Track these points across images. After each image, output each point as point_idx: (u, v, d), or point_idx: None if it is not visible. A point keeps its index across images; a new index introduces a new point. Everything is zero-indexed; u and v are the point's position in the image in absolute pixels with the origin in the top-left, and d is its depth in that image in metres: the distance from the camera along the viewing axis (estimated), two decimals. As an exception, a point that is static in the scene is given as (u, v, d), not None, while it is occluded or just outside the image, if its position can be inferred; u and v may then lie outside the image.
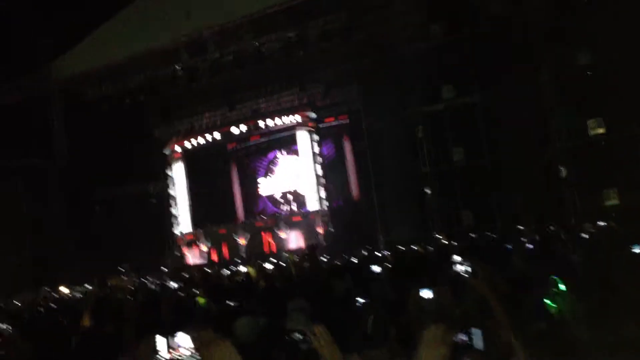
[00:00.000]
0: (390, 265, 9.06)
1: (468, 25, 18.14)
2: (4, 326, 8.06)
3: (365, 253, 14.66)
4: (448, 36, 18.91)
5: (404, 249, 12.75)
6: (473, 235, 14.49)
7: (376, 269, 8.41)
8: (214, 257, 26.62)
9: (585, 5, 16.65)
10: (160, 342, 2.65)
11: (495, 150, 18.25)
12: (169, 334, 2.68)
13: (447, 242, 14.02)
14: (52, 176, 26.54)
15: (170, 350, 2.60)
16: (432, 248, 12.85)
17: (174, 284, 13.62)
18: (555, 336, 3.75)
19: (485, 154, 18.45)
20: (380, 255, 12.79)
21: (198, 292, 9.91)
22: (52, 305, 12.48)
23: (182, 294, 10.69)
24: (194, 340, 2.78)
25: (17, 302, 14.66)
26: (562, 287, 4.09)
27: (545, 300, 4.04)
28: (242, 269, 15.43)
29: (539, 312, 3.95)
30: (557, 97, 17.28)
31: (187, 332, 2.67)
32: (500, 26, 17.47)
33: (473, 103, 18.52)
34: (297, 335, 3.17)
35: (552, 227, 12.86)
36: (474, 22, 17.99)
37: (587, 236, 10.92)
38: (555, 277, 4.37)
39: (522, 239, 10.97)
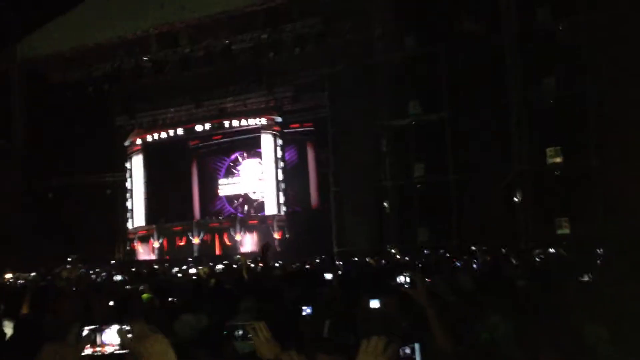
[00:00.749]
0: (342, 274, 8.98)
1: (442, 40, 18.24)
2: None
3: (318, 261, 14.57)
4: (421, 49, 19.00)
5: (357, 259, 12.68)
6: (426, 252, 14.53)
7: (328, 276, 8.31)
8: (165, 254, 26.19)
9: (554, 35, 16.93)
10: (88, 335, 2.50)
11: (456, 169, 18.38)
12: (100, 326, 2.53)
13: (399, 257, 14.02)
14: (8, 157, 25.79)
15: (95, 345, 2.44)
16: (384, 261, 12.82)
17: (119, 277, 13.29)
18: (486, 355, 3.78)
19: (447, 171, 18.56)
20: (333, 263, 12.71)
21: (143, 287, 9.67)
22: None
23: (127, 288, 10.42)
24: (124, 333, 2.61)
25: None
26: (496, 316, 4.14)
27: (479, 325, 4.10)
28: (193, 269, 15.19)
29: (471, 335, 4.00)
30: (520, 122, 17.50)
31: (120, 324, 2.51)
32: (473, 45, 17.65)
33: (439, 120, 18.61)
34: (238, 332, 3.09)
35: (503, 250, 12.98)
36: (448, 38, 18.10)
37: (536, 261, 11.03)
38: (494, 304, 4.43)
39: (473, 258, 11.03)
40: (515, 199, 17.40)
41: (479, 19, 17.92)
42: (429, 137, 18.98)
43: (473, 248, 13.27)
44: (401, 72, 19.03)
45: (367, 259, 13.05)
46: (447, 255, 12.88)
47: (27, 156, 26.04)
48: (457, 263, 9.35)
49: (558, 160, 16.92)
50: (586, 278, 6.66)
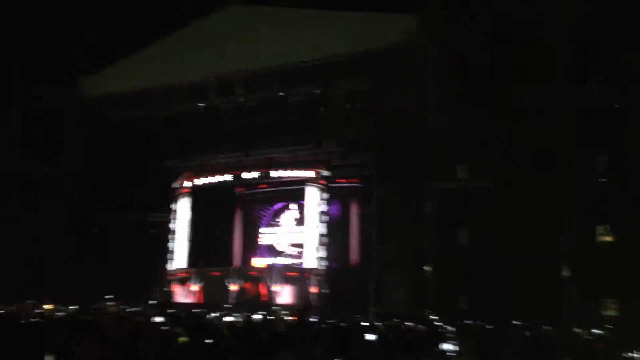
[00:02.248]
0: (382, 336, 8.86)
1: (494, 108, 18.23)
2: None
3: (356, 320, 14.39)
4: (471, 116, 18.99)
5: (397, 322, 12.49)
6: (467, 322, 14.18)
7: (370, 337, 8.23)
8: (203, 299, 26.24)
9: (606, 112, 16.78)
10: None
11: (501, 238, 18.04)
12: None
13: (440, 324, 13.73)
14: (57, 190, 26.54)
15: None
16: (424, 327, 12.59)
17: (158, 319, 13.36)
18: None
19: (491, 241, 18.23)
20: (370, 324, 12.54)
21: (180, 330, 9.72)
22: (32, 319, 12.25)
23: (165, 329, 10.48)
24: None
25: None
26: None
27: None
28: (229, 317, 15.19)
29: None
30: (571, 197, 17.19)
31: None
32: (525, 116, 17.60)
33: (487, 187, 18.42)
34: None
35: (545, 327, 12.61)
36: (501, 107, 18.08)
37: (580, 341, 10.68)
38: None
39: (515, 333, 10.74)
40: (564, 275, 16.93)
41: (533, 90, 17.88)
42: (475, 203, 18.78)
43: (516, 322, 12.91)
44: (450, 136, 19.03)
45: (407, 323, 12.84)
46: (488, 327, 12.55)
47: (77, 189, 26.76)
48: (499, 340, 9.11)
49: (609, 239, 16.50)
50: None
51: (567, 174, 17.33)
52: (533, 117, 17.79)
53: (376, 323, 13.20)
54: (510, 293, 17.25)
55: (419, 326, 12.53)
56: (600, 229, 16.61)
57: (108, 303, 20.98)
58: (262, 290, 25.61)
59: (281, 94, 24.20)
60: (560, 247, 17.12)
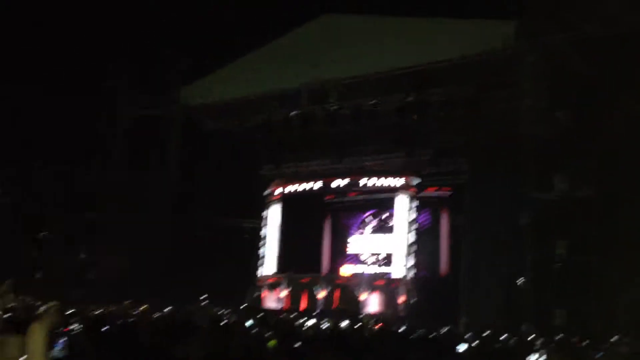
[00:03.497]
0: (472, 347, 8.65)
1: (595, 118, 17.45)
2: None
3: (446, 330, 14.12)
4: (571, 126, 18.25)
5: (490, 334, 12.15)
6: (562, 336, 13.58)
7: (461, 348, 8.06)
8: (291, 304, 26.51)
9: None
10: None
11: (600, 248, 17.20)
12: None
13: (533, 337, 13.23)
14: (160, 195, 27.71)
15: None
16: (516, 339, 12.18)
17: (249, 322, 13.66)
18: None
19: (590, 251, 17.40)
20: (460, 335, 12.27)
21: (270, 334, 9.90)
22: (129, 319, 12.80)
23: (255, 333, 10.72)
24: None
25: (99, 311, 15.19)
26: None
27: None
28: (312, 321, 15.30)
29: None
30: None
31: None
32: (630, 127, 16.74)
33: (587, 197, 17.62)
34: None
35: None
36: (604, 117, 17.28)
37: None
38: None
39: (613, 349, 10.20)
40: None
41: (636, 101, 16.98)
42: (574, 214, 18.01)
43: (616, 337, 12.25)
44: (550, 145, 18.38)
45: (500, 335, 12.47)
46: (588, 342, 11.96)
47: (178, 195, 27.87)
48: (596, 353, 8.66)
49: None
50: None
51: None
52: (637, 126, 16.88)
53: (466, 334, 12.90)
54: (611, 308, 16.43)
55: (511, 338, 12.13)
56: None
57: (202, 305, 21.64)
58: (350, 298, 25.59)
59: (374, 101, 24.17)
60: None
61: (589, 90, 17.78)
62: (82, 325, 9.27)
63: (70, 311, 11.98)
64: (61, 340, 7.32)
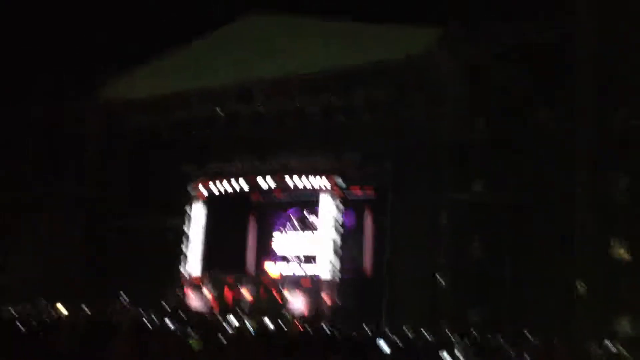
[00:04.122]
0: (394, 346, 8.90)
1: (513, 126, 18.28)
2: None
3: (369, 331, 14.41)
4: (491, 132, 19.02)
5: (411, 333, 12.51)
6: (477, 335, 14.14)
7: (384, 347, 8.27)
8: (215, 304, 26.28)
9: (628, 133, 16.76)
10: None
11: (516, 252, 18.02)
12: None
13: (451, 337, 13.71)
14: (74, 194, 26.86)
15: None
16: (435, 337, 12.58)
17: (170, 324, 13.49)
18: None
19: (505, 254, 18.21)
20: (382, 334, 12.56)
21: (193, 334, 9.81)
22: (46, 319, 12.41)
23: (177, 334, 10.59)
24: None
25: (13, 312, 14.64)
26: None
27: None
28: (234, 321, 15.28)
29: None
30: (587, 211, 17.12)
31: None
32: (544, 133, 17.62)
33: (501, 201, 18.41)
34: None
35: (555, 341, 12.55)
36: (520, 125, 18.13)
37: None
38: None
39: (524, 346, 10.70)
40: (579, 291, 16.82)
41: (554, 107, 17.90)
42: (490, 216, 18.77)
43: (528, 336, 12.87)
44: (468, 150, 19.08)
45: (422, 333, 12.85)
46: (499, 341, 12.51)
47: (95, 194, 27.08)
48: (510, 352, 9.09)
49: (623, 253, 16.39)
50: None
51: (584, 190, 17.26)
52: (552, 134, 17.80)
53: (388, 333, 13.22)
54: (523, 306, 17.23)
55: (431, 337, 12.53)
56: (614, 241, 16.55)
57: (121, 304, 21.17)
58: (275, 297, 25.62)
59: (300, 102, 24.30)
60: (576, 261, 17.02)
61: (505, 98, 18.58)
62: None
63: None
64: None
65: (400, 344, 10.01)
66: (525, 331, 14.16)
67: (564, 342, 12.38)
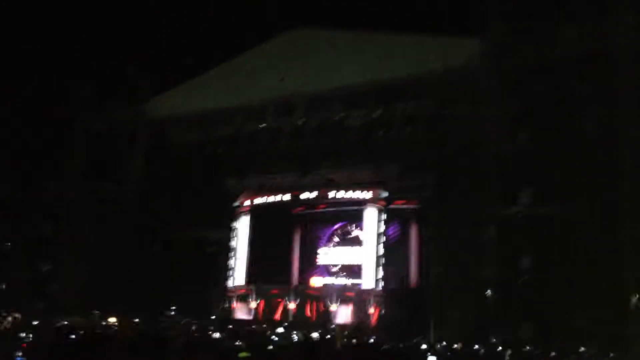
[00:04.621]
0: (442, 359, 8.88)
1: (557, 137, 18.01)
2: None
3: (416, 342, 14.36)
4: (533, 144, 18.78)
5: (459, 346, 12.42)
6: (528, 348, 13.94)
7: (431, 359, 8.27)
8: (262, 316, 26.49)
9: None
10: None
11: (564, 265, 17.69)
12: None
13: (502, 350, 13.57)
14: (124, 208, 27.43)
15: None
16: (484, 350, 12.46)
17: (218, 334, 13.67)
18: None
19: (554, 267, 17.89)
20: (430, 347, 12.50)
21: (241, 345, 9.96)
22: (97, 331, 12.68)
23: (225, 345, 10.76)
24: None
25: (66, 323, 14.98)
26: None
27: None
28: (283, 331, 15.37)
29: None
30: (634, 223, 16.69)
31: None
32: (588, 145, 17.34)
33: (550, 214, 18.12)
34: None
35: (612, 355, 12.27)
36: (562, 136, 17.86)
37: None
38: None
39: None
40: (633, 303, 16.40)
41: (599, 117, 17.61)
42: (536, 230, 18.50)
43: (582, 349, 12.62)
44: (512, 162, 18.88)
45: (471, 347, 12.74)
46: (550, 354, 12.31)
47: (141, 208, 27.64)
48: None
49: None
50: None
51: (632, 200, 16.88)
52: (598, 146, 17.50)
53: (436, 345, 13.15)
54: (575, 320, 16.88)
55: (481, 350, 12.41)
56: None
57: (171, 317, 21.51)
58: (320, 309, 25.71)
59: (340, 115, 24.43)
60: (628, 275, 16.62)
61: (548, 110, 18.36)
62: (43, 336, 9.20)
63: (34, 322, 11.84)
64: (19, 355, 7.28)
65: (447, 356, 9.96)
66: (578, 348, 13.88)
67: (619, 356, 12.10)
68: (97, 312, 18.63)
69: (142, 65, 26.68)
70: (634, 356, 13.13)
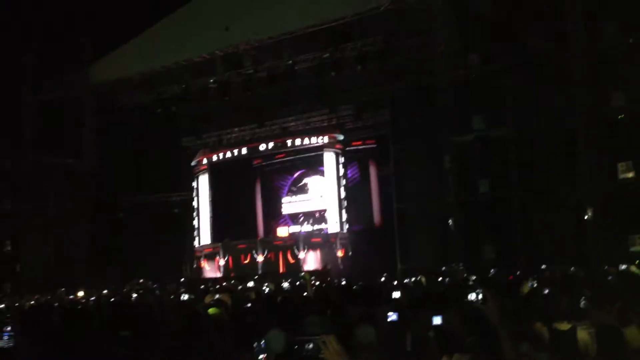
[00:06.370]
0: (408, 292, 8.93)
1: (506, 57, 17.98)
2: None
3: (383, 279, 14.51)
4: (485, 67, 18.76)
5: (422, 278, 12.57)
6: (493, 270, 14.21)
7: (396, 294, 8.29)
8: (231, 272, 26.57)
9: (622, 50, 16.42)
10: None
11: (522, 185, 17.99)
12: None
13: (465, 275, 13.80)
14: (80, 177, 26.77)
15: None
16: (449, 279, 12.65)
17: (186, 296, 13.55)
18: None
19: (512, 188, 18.18)
20: (398, 282, 12.64)
21: (210, 303, 9.86)
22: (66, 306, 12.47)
23: (194, 306, 10.64)
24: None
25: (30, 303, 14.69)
26: None
27: None
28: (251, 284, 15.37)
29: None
30: (589, 137, 16.95)
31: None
32: (538, 62, 17.33)
33: (504, 136, 18.30)
34: (308, 346, 3.20)
35: (572, 269, 12.56)
36: (512, 55, 17.81)
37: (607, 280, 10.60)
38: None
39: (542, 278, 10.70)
40: (588, 216, 16.81)
41: (545, 36, 17.54)
42: (494, 153, 18.68)
43: (543, 267, 12.89)
44: (464, 89, 18.88)
45: (433, 277, 12.92)
46: (514, 273, 12.56)
47: (98, 177, 27.00)
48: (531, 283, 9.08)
49: (631, 175, 16.27)
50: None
51: (585, 114, 17.05)
52: (547, 64, 17.50)
53: (403, 280, 13.30)
54: (535, 238, 17.26)
55: (446, 279, 12.60)
56: (621, 165, 16.39)
57: (139, 284, 21.36)
58: (288, 258, 25.88)
59: (290, 62, 24.02)
60: (583, 188, 16.96)
61: (498, 31, 18.25)
62: (19, 317, 8.97)
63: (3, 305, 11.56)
64: (7, 330, 7.10)
65: (417, 292, 10.03)
66: (540, 263, 14.19)
67: (581, 270, 12.39)
68: (62, 289, 18.28)
69: (81, 27, 25.58)
70: (595, 268, 13.46)
